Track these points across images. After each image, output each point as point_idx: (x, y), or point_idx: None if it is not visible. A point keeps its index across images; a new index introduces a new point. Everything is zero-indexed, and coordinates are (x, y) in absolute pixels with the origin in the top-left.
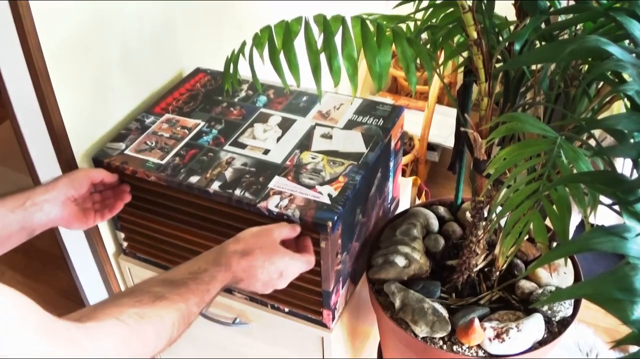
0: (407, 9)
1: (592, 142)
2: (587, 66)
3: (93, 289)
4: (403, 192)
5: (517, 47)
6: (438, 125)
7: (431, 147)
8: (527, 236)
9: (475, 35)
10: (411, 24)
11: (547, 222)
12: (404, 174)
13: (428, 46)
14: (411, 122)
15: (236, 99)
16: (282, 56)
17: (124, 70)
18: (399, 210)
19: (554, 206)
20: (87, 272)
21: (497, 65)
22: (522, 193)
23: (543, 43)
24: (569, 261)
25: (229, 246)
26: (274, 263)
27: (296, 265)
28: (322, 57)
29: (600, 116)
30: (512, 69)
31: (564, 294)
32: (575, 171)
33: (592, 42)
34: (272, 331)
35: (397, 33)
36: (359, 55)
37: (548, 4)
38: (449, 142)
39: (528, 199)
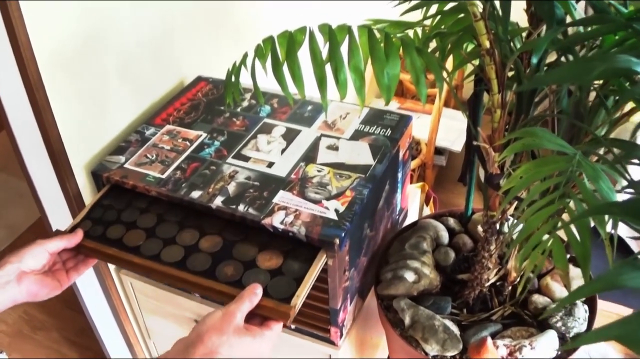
0: (415, 15)
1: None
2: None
3: (95, 302)
4: (411, 202)
5: (534, 60)
6: (445, 129)
7: (438, 151)
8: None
9: (487, 44)
10: (418, 30)
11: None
12: (410, 180)
13: (436, 54)
14: (418, 126)
15: (239, 109)
16: (285, 67)
17: (123, 80)
18: (407, 220)
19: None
20: (89, 287)
21: (510, 73)
22: (541, 215)
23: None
24: (579, 271)
25: (195, 351)
26: (241, 353)
27: (264, 342)
28: (327, 68)
29: (617, 129)
30: (527, 80)
31: (591, 337)
32: (594, 188)
33: (623, 62)
34: (279, 347)
35: (406, 43)
36: (365, 66)
37: (564, 12)
38: (456, 146)
39: (547, 222)
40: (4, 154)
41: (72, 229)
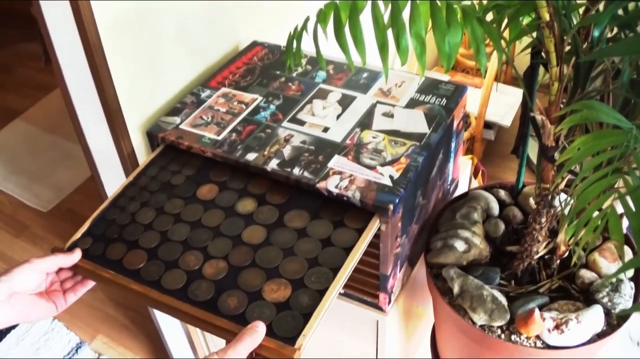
0: None
1: None
2: None
3: None
4: (462, 173)
5: (596, 33)
6: (494, 103)
7: (487, 125)
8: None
9: (547, 17)
10: (475, 2)
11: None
12: None
13: (493, 26)
14: (467, 99)
15: (294, 74)
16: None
17: (180, 43)
18: (457, 191)
19: (630, 202)
20: None
21: (566, 48)
22: (595, 189)
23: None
24: (628, 250)
25: None
26: None
27: None
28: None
29: None
30: (584, 54)
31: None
32: None
33: None
34: (327, 311)
35: (467, 12)
36: (426, 34)
37: None
38: (506, 120)
39: (604, 193)
40: (53, 117)
41: (71, 246)
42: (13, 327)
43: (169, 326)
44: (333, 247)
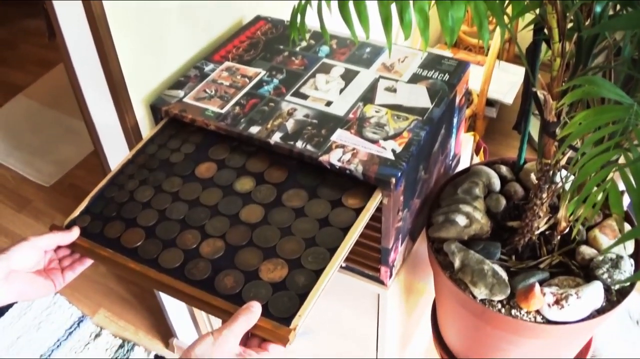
0: None
1: None
2: None
3: None
4: (464, 149)
5: (598, 8)
6: (497, 81)
7: (489, 103)
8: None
9: None
10: None
11: None
12: None
13: (497, 1)
14: (470, 76)
15: (298, 49)
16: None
17: (184, 17)
18: (459, 167)
19: (630, 176)
20: None
21: (569, 25)
22: (598, 161)
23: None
24: (629, 227)
25: None
26: None
27: None
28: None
29: None
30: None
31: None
32: None
33: None
34: (328, 285)
35: None
36: (429, 9)
37: None
38: (508, 98)
39: (604, 168)
40: (56, 93)
41: (69, 224)
42: (14, 302)
43: (171, 300)
44: (331, 227)
